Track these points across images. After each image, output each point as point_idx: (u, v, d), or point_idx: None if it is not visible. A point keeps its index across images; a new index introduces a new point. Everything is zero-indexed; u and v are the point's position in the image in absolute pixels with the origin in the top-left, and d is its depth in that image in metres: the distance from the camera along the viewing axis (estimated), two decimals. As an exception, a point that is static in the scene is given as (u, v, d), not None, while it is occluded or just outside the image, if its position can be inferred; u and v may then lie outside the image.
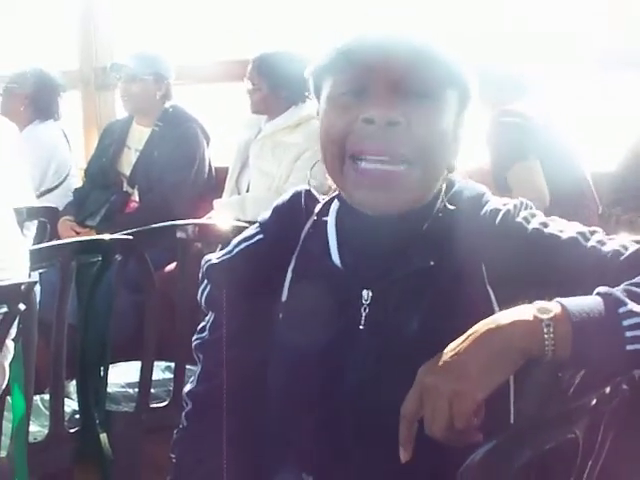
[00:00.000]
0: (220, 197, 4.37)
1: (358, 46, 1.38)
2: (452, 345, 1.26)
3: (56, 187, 4.84)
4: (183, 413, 1.66)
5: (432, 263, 1.43)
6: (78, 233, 4.43)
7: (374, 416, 1.39)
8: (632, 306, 1.23)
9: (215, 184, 4.57)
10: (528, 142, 3.54)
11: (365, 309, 1.45)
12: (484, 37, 3.89)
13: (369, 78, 1.40)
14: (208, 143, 4.60)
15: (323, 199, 1.58)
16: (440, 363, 1.25)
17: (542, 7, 4.34)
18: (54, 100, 4.97)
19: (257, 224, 1.59)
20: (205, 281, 1.60)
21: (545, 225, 1.42)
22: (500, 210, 1.44)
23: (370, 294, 1.46)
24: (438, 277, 1.43)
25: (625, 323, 1.22)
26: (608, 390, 1.29)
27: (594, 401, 1.27)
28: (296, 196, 1.58)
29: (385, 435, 1.30)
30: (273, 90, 4.16)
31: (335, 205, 1.54)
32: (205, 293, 1.61)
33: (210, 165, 4.61)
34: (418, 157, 1.39)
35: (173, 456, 1.65)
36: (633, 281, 1.28)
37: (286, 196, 1.59)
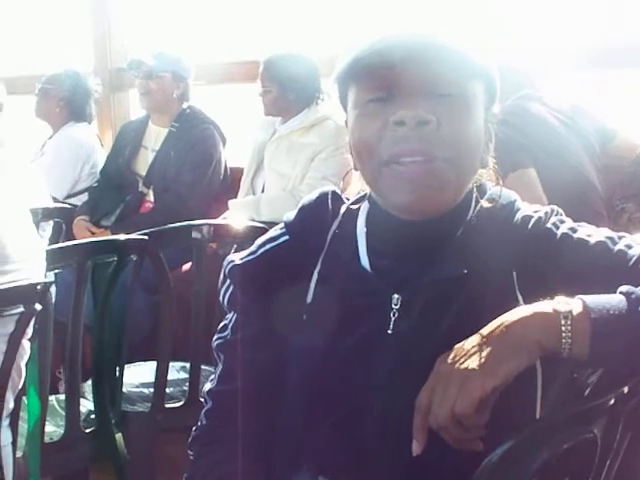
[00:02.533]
0: (235, 198, 4.37)
1: (377, 51, 1.36)
2: (470, 338, 1.27)
3: (89, 187, 4.86)
4: (203, 411, 1.65)
5: (465, 271, 1.42)
6: (93, 233, 4.44)
7: (397, 420, 1.38)
8: None
9: (230, 185, 4.57)
10: (520, 151, 3.47)
11: (394, 314, 1.44)
12: (484, 34, 3.87)
13: (393, 82, 1.38)
14: (224, 144, 4.60)
15: (348, 200, 1.57)
16: (456, 352, 1.26)
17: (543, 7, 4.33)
18: (88, 102, 4.97)
19: (282, 224, 1.58)
20: (227, 281, 1.60)
21: (574, 230, 1.42)
22: (532, 217, 1.44)
23: (400, 299, 1.44)
24: (469, 284, 1.41)
25: None
26: (626, 390, 1.28)
27: (612, 401, 1.26)
28: (322, 197, 1.57)
29: (407, 440, 1.30)
30: (283, 92, 4.16)
31: (365, 207, 1.53)
32: (228, 293, 1.60)
33: (226, 166, 4.61)
34: (451, 155, 1.38)
35: (191, 453, 1.65)
36: None
37: (312, 196, 1.58)
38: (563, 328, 1.22)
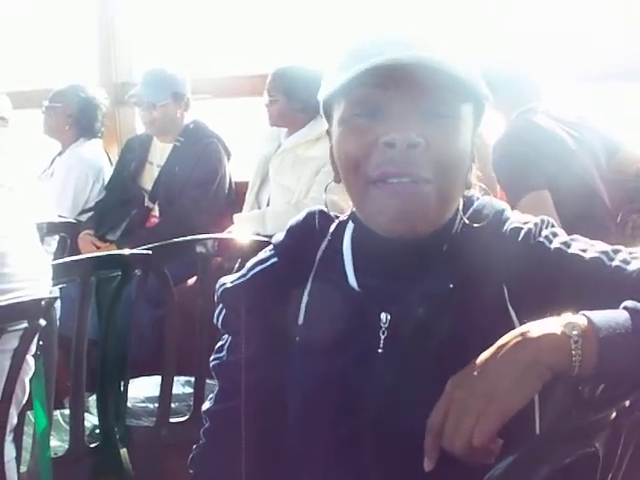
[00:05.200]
0: (240, 211, 4.38)
1: (370, 65, 1.33)
2: (481, 358, 1.26)
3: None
4: (202, 430, 1.66)
5: (451, 286, 1.41)
6: (98, 247, 4.45)
7: (393, 439, 1.38)
8: None
9: (235, 199, 4.58)
10: (534, 171, 3.47)
11: (384, 332, 1.43)
12: (490, 41, 3.88)
13: (384, 101, 1.37)
14: (229, 158, 4.61)
15: (337, 218, 1.56)
16: (469, 377, 1.24)
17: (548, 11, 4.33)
18: (97, 117, 4.96)
19: (271, 246, 1.58)
20: (220, 305, 1.60)
21: (567, 245, 1.40)
22: (522, 229, 1.42)
23: (389, 317, 1.43)
24: (458, 299, 1.41)
25: None
26: (628, 403, 1.28)
27: (614, 414, 1.26)
28: (309, 216, 1.56)
29: (404, 458, 1.30)
30: (289, 103, 4.17)
31: (350, 225, 1.52)
32: (221, 316, 1.60)
33: (230, 180, 4.61)
34: (437, 177, 1.36)
35: (192, 472, 1.65)
36: None
37: (300, 217, 1.57)
38: (574, 352, 1.21)
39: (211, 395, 1.66)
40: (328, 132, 1.50)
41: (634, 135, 3.83)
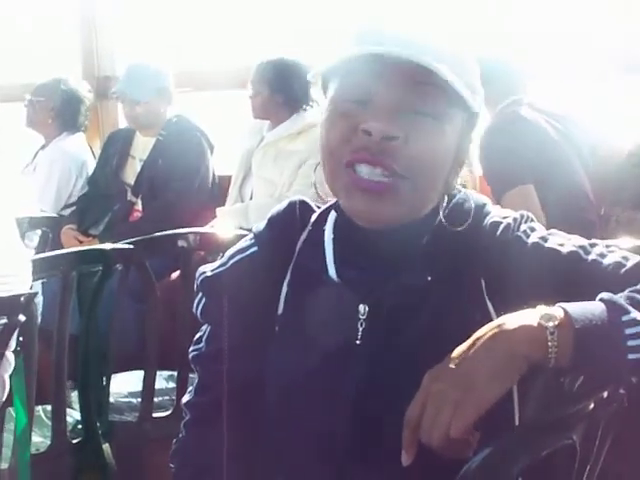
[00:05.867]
0: (223, 205, 4.37)
1: (371, 57, 1.35)
2: (458, 350, 1.25)
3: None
4: (182, 423, 1.65)
5: (430, 278, 1.42)
6: (81, 242, 4.43)
7: (371, 431, 1.38)
8: (635, 314, 1.22)
9: (218, 192, 4.57)
10: (519, 164, 3.47)
11: (362, 324, 1.43)
12: (485, 36, 3.88)
13: (376, 88, 1.37)
14: (212, 152, 4.60)
15: (319, 208, 1.57)
16: (446, 369, 1.24)
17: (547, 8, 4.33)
18: (80, 111, 4.93)
19: (251, 235, 1.58)
20: (200, 293, 1.59)
21: (545, 239, 1.40)
22: (501, 223, 1.43)
23: (367, 308, 1.44)
24: (436, 291, 1.41)
25: (628, 332, 1.21)
26: (605, 395, 1.28)
27: (591, 406, 1.26)
28: (290, 206, 1.56)
29: (382, 451, 1.29)
30: (272, 95, 4.18)
31: (332, 216, 1.52)
32: (201, 305, 1.59)
33: (214, 174, 4.61)
34: (410, 172, 1.37)
35: (173, 466, 1.64)
36: (636, 288, 1.27)
37: (281, 207, 1.57)
38: (550, 343, 1.21)
39: (191, 387, 1.66)
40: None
41: (620, 129, 3.83)
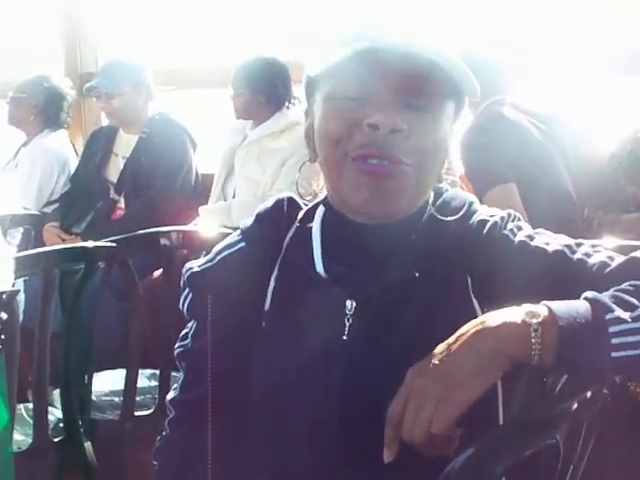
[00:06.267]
0: (206, 204, 4.36)
1: (367, 53, 1.36)
2: (441, 347, 1.26)
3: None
4: (166, 420, 1.65)
5: (417, 274, 1.42)
6: (64, 240, 4.41)
7: (357, 427, 1.38)
8: (619, 313, 1.23)
9: (201, 191, 4.57)
10: (501, 163, 3.45)
11: (349, 319, 1.44)
12: (477, 35, 3.88)
13: (374, 85, 1.38)
14: (195, 150, 4.59)
15: (306, 205, 1.57)
16: (429, 366, 1.24)
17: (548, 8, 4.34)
18: (62, 108, 4.90)
19: (239, 231, 1.58)
20: (187, 289, 1.59)
21: (531, 238, 1.42)
22: (488, 221, 1.45)
23: (354, 304, 1.44)
24: (423, 287, 1.42)
25: (612, 330, 1.22)
26: (589, 395, 1.28)
27: (575, 406, 1.26)
28: (278, 203, 1.57)
29: (367, 446, 1.29)
30: (254, 95, 4.18)
31: (320, 211, 1.53)
32: (187, 301, 1.59)
33: (197, 172, 4.60)
34: (415, 164, 1.39)
35: (156, 463, 1.64)
36: (620, 287, 1.28)
37: (268, 203, 1.58)
38: (533, 340, 1.22)
39: (175, 385, 1.65)
40: (306, 112, 1.52)
41: (609, 130, 3.84)
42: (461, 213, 1.47)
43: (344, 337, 1.44)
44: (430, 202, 1.49)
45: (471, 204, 1.50)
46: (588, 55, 4.01)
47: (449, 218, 1.46)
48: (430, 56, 1.36)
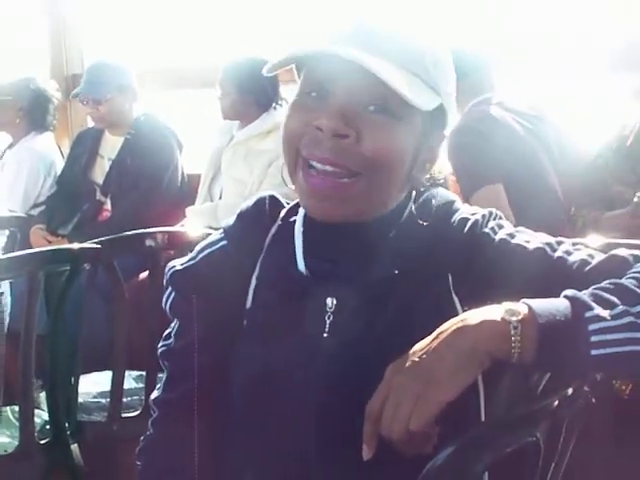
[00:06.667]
0: (193, 204, 4.36)
1: (330, 53, 1.35)
2: (421, 344, 1.26)
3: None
4: (150, 420, 1.64)
5: (396, 272, 1.42)
6: (50, 242, 4.41)
7: (336, 425, 1.39)
8: (599, 311, 1.23)
9: (188, 191, 4.56)
10: (488, 163, 3.47)
11: (329, 317, 1.44)
12: (469, 33, 3.88)
13: (332, 85, 1.38)
14: (181, 151, 4.59)
15: (288, 204, 1.57)
16: (408, 363, 1.25)
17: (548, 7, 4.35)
18: (48, 110, 4.89)
19: (221, 230, 1.58)
20: (169, 288, 1.59)
21: (512, 236, 1.42)
22: (469, 219, 1.45)
23: (334, 302, 1.45)
24: (402, 285, 1.42)
25: (591, 327, 1.22)
26: (570, 392, 1.29)
27: (556, 403, 1.26)
28: (260, 202, 1.57)
29: (346, 445, 1.30)
30: (242, 96, 4.17)
31: (302, 210, 1.53)
32: (170, 300, 1.59)
33: (183, 173, 4.60)
34: (364, 171, 1.38)
35: (139, 463, 1.63)
36: (600, 285, 1.28)
37: (250, 202, 1.58)
38: (513, 338, 1.22)
39: (159, 384, 1.65)
40: None
41: (589, 128, 3.85)
42: (441, 212, 1.47)
43: (324, 335, 1.44)
44: (412, 200, 1.49)
45: (452, 202, 1.50)
46: (582, 53, 4.02)
47: (425, 223, 1.46)
48: (379, 71, 1.33)
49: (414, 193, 1.50)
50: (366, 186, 1.39)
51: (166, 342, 1.62)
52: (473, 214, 1.46)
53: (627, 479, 2.49)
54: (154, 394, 1.65)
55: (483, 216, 1.45)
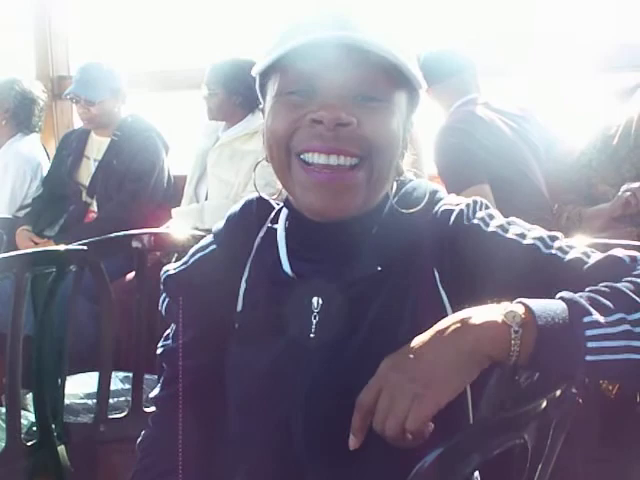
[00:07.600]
0: (179, 205, 4.36)
1: (304, 50, 1.35)
2: (419, 341, 1.25)
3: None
4: (150, 416, 1.68)
5: (379, 269, 1.42)
6: (36, 243, 4.40)
7: (324, 424, 1.39)
8: (597, 317, 1.22)
9: (174, 192, 4.56)
10: (474, 164, 3.48)
11: (315, 317, 1.45)
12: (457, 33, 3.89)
13: (320, 77, 1.37)
14: (167, 152, 4.59)
15: (278, 205, 1.57)
16: (406, 360, 1.24)
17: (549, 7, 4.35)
18: (34, 112, 4.87)
19: (211, 234, 1.59)
20: (164, 292, 1.61)
21: (504, 229, 1.40)
22: (453, 210, 1.43)
23: (320, 302, 1.45)
24: (387, 282, 1.42)
25: (588, 333, 1.21)
26: (558, 394, 1.29)
27: (543, 405, 1.26)
28: (248, 204, 1.58)
29: (334, 443, 1.30)
30: (229, 96, 4.16)
31: (284, 212, 1.53)
32: (165, 304, 1.61)
33: (169, 174, 4.59)
34: (367, 155, 1.38)
35: (138, 454, 1.66)
36: (596, 288, 1.27)
37: (238, 205, 1.59)
38: (513, 342, 1.21)
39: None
40: (262, 109, 1.50)
41: (576, 128, 3.85)
42: (423, 203, 1.46)
43: (311, 335, 1.44)
44: (392, 194, 1.49)
45: (434, 193, 1.49)
46: (574, 52, 4.03)
47: (411, 210, 1.45)
48: (368, 45, 1.34)
49: (394, 186, 1.49)
50: (366, 175, 1.39)
51: (165, 342, 1.65)
52: (457, 204, 1.45)
53: (612, 479, 2.49)
54: (155, 391, 1.67)
55: (467, 205, 1.44)
